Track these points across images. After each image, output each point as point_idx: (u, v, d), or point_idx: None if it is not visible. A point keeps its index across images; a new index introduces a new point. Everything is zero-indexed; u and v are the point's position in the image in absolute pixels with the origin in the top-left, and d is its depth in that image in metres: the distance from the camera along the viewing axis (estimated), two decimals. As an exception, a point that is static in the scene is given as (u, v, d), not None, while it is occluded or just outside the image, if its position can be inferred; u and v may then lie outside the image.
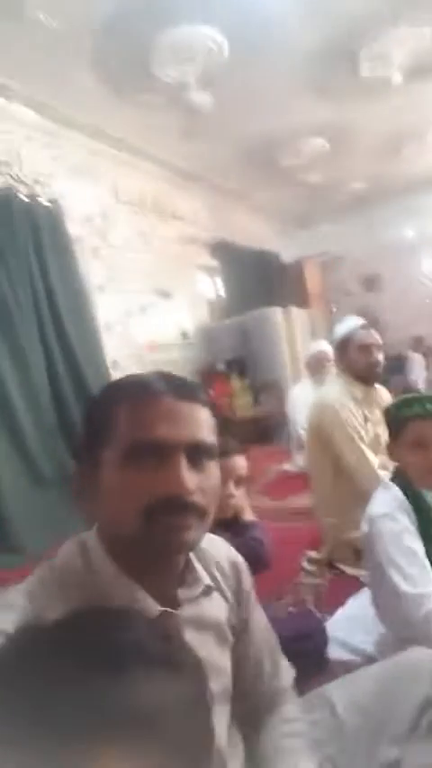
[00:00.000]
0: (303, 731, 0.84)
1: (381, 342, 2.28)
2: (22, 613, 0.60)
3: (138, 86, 3.72)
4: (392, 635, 1.30)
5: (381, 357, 2.25)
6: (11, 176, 3.55)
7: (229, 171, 5.72)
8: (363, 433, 2.17)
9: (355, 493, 2.00)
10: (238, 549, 1.31)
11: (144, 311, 4.77)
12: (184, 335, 5.32)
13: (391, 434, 1.46)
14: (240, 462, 1.45)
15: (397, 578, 1.21)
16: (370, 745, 0.87)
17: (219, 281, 6.22)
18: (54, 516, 2.82)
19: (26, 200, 3.55)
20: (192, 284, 5.68)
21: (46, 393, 3.49)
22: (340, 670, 1.32)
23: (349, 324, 2.34)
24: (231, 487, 1.41)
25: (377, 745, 0.87)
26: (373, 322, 7.73)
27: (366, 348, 2.22)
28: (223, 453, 1.38)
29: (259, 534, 1.45)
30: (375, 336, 2.27)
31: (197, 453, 0.67)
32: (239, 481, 1.44)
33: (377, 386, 2.34)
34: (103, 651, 0.39)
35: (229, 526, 1.43)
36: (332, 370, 2.79)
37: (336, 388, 2.27)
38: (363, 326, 2.30)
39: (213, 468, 0.70)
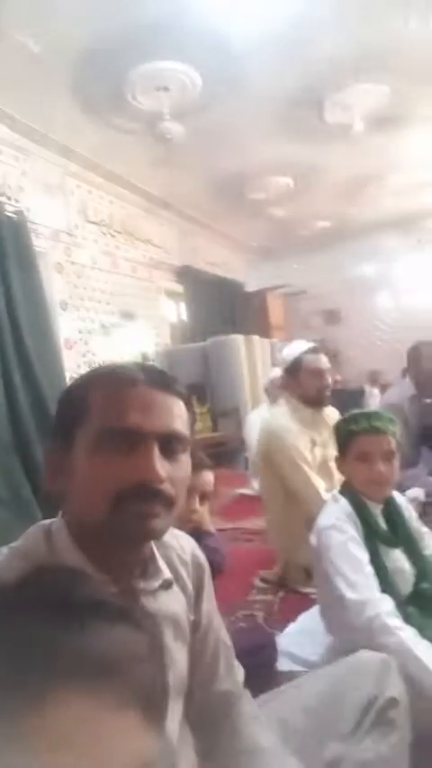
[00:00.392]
0: (269, 728, 0.85)
1: (329, 366, 2.31)
2: None
3: (113, 111, 3.82)
4: (340, 643, 1.33)
5: (330, 381, 2.28)
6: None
7: (198, 200, 5.87)
8: (309, 457, 2.18)
9: (304, 516, 2.03)
10: None
11: (106, 331, 4.77)
12: (145, 358, 5.33)
13: (339, 449, 1.52)
14: (207, 478, 1.45)
15: (342, 585, 1.25)
16: (315, 744, 0.89)
17: (182, 306, 6.30)
18: (6, 537, 2.71)
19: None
20: (155, 307, 5.73)
21: (3, 408, 3.41)
22: (287, 681, 1.33)
23: (298, 347, 2.34)
24: (196, 502, 1.42)
25: (322, 743, 0.88)
26: (332, 355, 7.95)
27: (317, 372, 2.24)
28: (193, 467, 1.41)
29: (214, 543, 1.46)
30: (324, 360, 2.30)
31: (169, 443, 0.68)
32: (204, 496, 1.45)
33: (327, 408, 2.36)
34: (65, 604, 0.40)
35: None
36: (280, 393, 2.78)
37: (282, 413, 2.27)
38: (312, 350, 2.32)
39: (184, 460, 0.71)
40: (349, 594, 1.23)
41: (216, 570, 1.42)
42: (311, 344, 2.37)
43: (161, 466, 0.65)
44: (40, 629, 0.38)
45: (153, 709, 0.41)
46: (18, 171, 3.92)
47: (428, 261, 7.61)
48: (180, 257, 6.21)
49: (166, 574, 0.76)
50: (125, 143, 4.30)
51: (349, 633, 1.23)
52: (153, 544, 0.75)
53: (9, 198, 3.79)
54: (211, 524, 1.56)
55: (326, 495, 1.98)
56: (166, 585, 0.76)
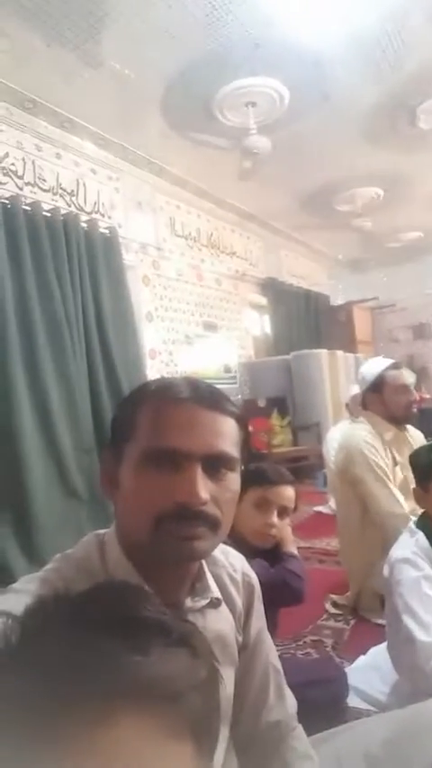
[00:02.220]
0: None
1: (414, 381, 2.23)
2: (33, 597, 0.62)
3: (201, 129, 3.92)
4: (408, 684, 1.24)
5: (416, 396, 2.20)
6: (74, 204, 3.79)
7: (284, 213, 5.86)
8: (391, 475, 2.09)
9: (383, 539, 1.92)
10: (272, 577, 1.28)
11: (190, 342, 4.87)
12: (227, 369, 5.36)
13: (419, 479, 1.42)
14: (286, 493, 1.41)
15: (412, 625, 1.17)
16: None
17: (266, 319, 6.29)
18: (83, 531, 2.85)
19: (85, 226, 3.75)
20: (239, 319, 5.76)
21: (87, 414, 3.58)
22: (355, 719, 1.26)
23: (379, 364, 2.27)
24: (273, 516, 1.38)
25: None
26: (421, 371, 7.58)
27: (403, 388, 2.16)
28: (270, 482, 1.38)
29: (296, 567, 1.40)
30: (409, 376, 2.21)
31: (215, 464, 0.67)
32: (284, 512, 1.41)
33: (409, 428, 2.26)
34: (130, 624, 0.40)
35: (268, 555, 1.39)
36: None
37: (364, 429, 2.18)
38: (394, 366, 2.24)
39: (232, 480, 0.69)
40: (421, 636, 1.15)
41: (295, 598, 1.37)
42: (392, 361, 2.28)
43: (203, 487, 0.64)
44: (104, 647, 0.38)
45: (207, 739, 0.41)
46: (111, 188, 4.14)
47: None
48: (265, 269, 6.22)
49: (215, 592, 0.74)
50: (213, 159, 4.39)
51: (418, 676, 1.14)
52: (203, 561, 0.74)
53: (102, 215, 4.00)
54: (294, 546, 1.51)
55: (411, 516, 1.88)
56: (215, 604, 0.74)
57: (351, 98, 3.73)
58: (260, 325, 6.29)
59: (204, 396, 0.69)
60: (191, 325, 4.94)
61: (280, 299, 6.30)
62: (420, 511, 1.55)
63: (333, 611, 2.07)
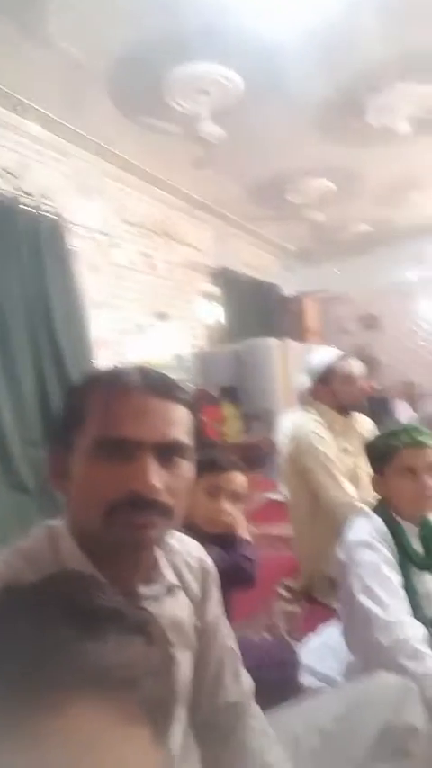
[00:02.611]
0: (278, 745, 0.82)
1: (362, 371, 2.28)
2: None
3: (152, 114, 3.85)
4: (361, 663, 1.28)
5: (364, 386, 2.24)
6: (19, 188, 3.64)
7: (237, 202, 5.86)
8: (339, 464, 2.13)
9: (333, 526, 1.97)
10: (226, 562, 1.30)
11: (141, 331, 4.81)
12: (179, 359, 5.34)
13: (376, 466, 1.46)
14: (237, 479, 1.42)
15: (370, 605, 1.21)
16: (326, 767, 0.85)
17: (218, 308, 6.29)
18: (31, 524, 2.78)
19: (31, 210, 3.61)
20: (191, 309, 5.74)
21: (34, 405, 3.48)
22: (306, 696, 1.29)
23: (328, 355, 2.30)
24: (223, 502, 1.39)
25: (333, 767, 0.84)
26: (370, 361, 7.82)
27: (351, 379, 2.20)
28: (220, 468, 1.39)
29: (249, 552, 1.42)
30: (357, 365, 2.26)
31: (168, 452, 0.67)
32: (235, 497, 1.42)
33: (357, 415, 2.30)
34: (86, 612, 0.40)
35: (221, 541, 1.41)
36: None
37: (313, 420, 2.21)
38: (342, 357, 2.28)
39: (185, 468, 0.69)
40: (378, 613, 1.18)
41: (248, 581, 1.39)
42: (340, 352, 2.33)
43: (156, 476, 0.64)
44: (59, 636, 0.38)
45: (162, 722, 0.42)
46: (57, 172, 4.00)
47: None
48: (217, 259, 6.21)
49: (171, 579, 0.75)
50: (164, 145, 4.32)
51: (373, 652, 1.18)
52: (158, 549, 0.74)
53: (48, 199, 3.87)
54: (247, 531, 1.52)
55: (359, 503, 1.93)
56: (171, 591, 0.75)
57: (304, 91, 3.75)
58: (212, 314, 6.29)
59: (156, 384, 0.69)
60: (142, 315, 4.88)
61: (232, 289, 6.32)
62: (367, 495, 1.62)
63: (286, 594, 2.11)
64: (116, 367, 0.75)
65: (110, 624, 0.41)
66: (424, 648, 1.12)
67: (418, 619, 1.21)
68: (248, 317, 6.53)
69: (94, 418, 0.66)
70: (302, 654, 1.59)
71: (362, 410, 2.31)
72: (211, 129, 3.74)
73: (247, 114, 3.93)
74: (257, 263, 7.29)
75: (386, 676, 0.97)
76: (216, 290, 6.15)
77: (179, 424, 0.69)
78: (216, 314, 6.28)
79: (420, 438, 1.38)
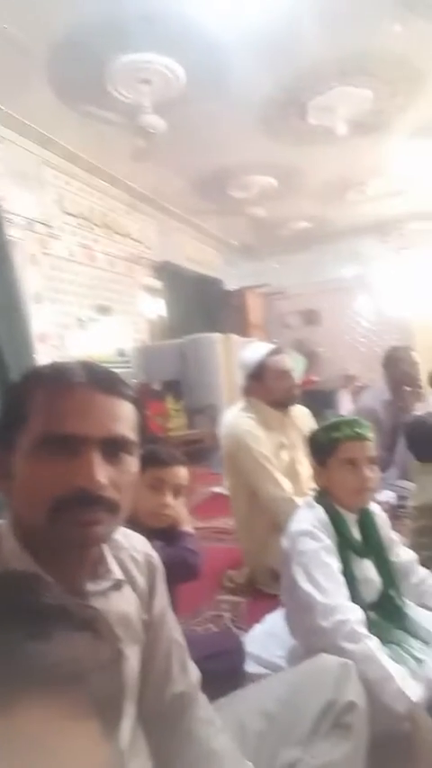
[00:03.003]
0: (224, 731, 0.84)
1: (293, 366, 2.27)
2: None
3: (93, 102, 3.76)
4: (302, 647, 1.33)
5: (296, 380, 2.23)
6: None
7: (179, 196, 5.84)
8: (276, 461, 2.14)
9: (272, 520, 2.01)
10: (170, 556, 1.31)
11: (82, 325, 4.70)
12: (122, 353, 5.28)
13: (318, 458, 1.50)
14: (180, 472, 1.44)
15: (311, 590, 1.25)
16: (272, 748, 0.88)
17: (161, 303, 6.26)
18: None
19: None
20: (134, 303, 5.68)
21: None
22: (251, 683, 1.32)
23: (260, 350, 2.27)
24: (167, 497, 1.40)
25: (279, 748, 0.88)
26: (310, 355, 8.01)
27: (283, 373, 2.19)
28: (162, 462, 1.39)
29: (192, 545, 1.44)
30: (289, 360, 2.25)
31: (113, 448, 0.67)
32: (178, 491, 1.43)
33: (294, 408, 2.30)
34: (31, 611, 0.40)
35: (165, 534, 1.41)
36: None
37: (247, 418, 2.19)
38: (275, 351, 2.25)
39: (130, 464, 0.70)
40: (318, 598, 1.23)
41: (192, 575, 1.41)
42: (273, 346, 2.31)
43: (102, 471, 0.64)
44: (5, 638, 0.38)
45: (111, 717, 0.43)
46: (-6, 159, 3.84)
47: (405, 266, 7.71)
48: (160, 253, 6.16)
49: (117, 574, 0.75)
50: (106, 135, 4.24)
51: (315, 636, 1.23)
52: (103, 545, 0.74)
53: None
54: (189, 524, 1.54)
55: (297, 499, 1.96)
56: (118, 586, 0.75)
57: (247, 87, 3.78)
58: (155, 308, 6.25)
59: (101, 379, 0.69)
60: (83, 308, 4.77)
61: (175, 283, 6.30)
62: (306, 488, 1.67)
63: (230, 585, 2.14)
64: (58, 362, 0.74)
65: (56, 622, 0.42)
66: (361, 630, 1.18)
67: (357, 603, 1.27)
68: (191, 312, 6.53)
69: (37, 415, 0.65)
70: (247, 643, 1.62)
71: (295, 403, 2.30)
72: (153, 121, 3.70)
73: (189, 107, 3.91)
74: (200, 257, 7.30)
75: (327, 658, 1.01)
76: (158, 284, 6.11)
77: (124, 419, 0.69)
78: (158, 308, 6.24)
79: (360, 431, 1.43)
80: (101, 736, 0.39)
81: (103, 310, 5.02)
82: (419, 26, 3.30)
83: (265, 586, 2.06)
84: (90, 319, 4.81)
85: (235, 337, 6.04)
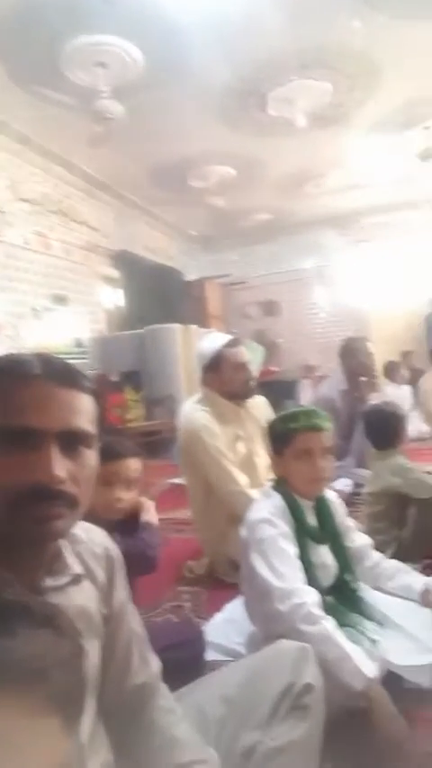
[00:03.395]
0: (185, 719, 0.85)
1: (250, 357, 2.23)
2: None
3: (46, 83, 3.65)
4: (261, 633, 1.35)
5: (253, 372, 2.20)
6: None
7: (138, 184, 5.75)
8: (232, 454, 2.12)
9: (228, 512, 2.02)
10: (128, 548, 1.29)
11: (37, 315, 4.58)
12: (79, 344, 5.18)
13: (275, 447, 1.52)
14: (133, 465, 1.42)
15: (269, 575, 1.27)
16: (233, 733, 0.89)
17: (119, 292, 6.17)
18: None
19: None
20: (91, 293, 5.57)
21: None
22: (212, 671, 1.34)
23: (217, 341, 2.22)
24: (119, 491, 1.38)
25: (239, 732, 0.89)
26: (270, 346, 8.08)
27: (240, 366, 2.16)
28: (116, 456, 1.37)
29: (149, 537, 1.43)
30: (245, 352, 2.21)
31: (71, 441, 0.66)
32: (129, 483, 1.42)
33: (252, 400, 2.28)
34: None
35: (126, 525, 1.40)
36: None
37: (203, 411, 2.15)
38: (232, 343, 2.20)
39: (89, 457, 0.69)
40: (277, 584, 1.25)
41: (149, 567, 1.40)
42: (230, 337, 2.26)
43: (60, 465, 0.63)
44: None
45: (72, 712, 0.43)
46: None
47: (363, 259, 7.88)
48: (118, 242, 6.06)
49: (76, 569, 0.74)
50: (61, 119, 4.12)
51: (273, 622, 1.25)
52: (61, 539, 0.72)
53: None
54: (153, 514, 1.52)
55: (252, 492, 1.96)
56: (77, 580, 0.74)
57: (207, 75, 3.76)
58: (112, 298, 6.16)
59: (58, 371, 0.67)
60: (38, 298, 4.65)
61: (133, 273, 6.22)
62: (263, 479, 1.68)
63: (190, 576, 2.15)
64: (13, 354, 0.72)
65: (19, 620, 0.41)
66: (318, 612, 1.21)
67: (314, 587, 1.30)
68: (149, 302, 6.47)
69: None
70: (208, 632, 1.63)
71: (252, 396, 2.25)
72: (110, 106, 3.62)
73: (148, 93, 3.86)
74: (158, 246, 7.24)
75: (285, 643, 1.03)
76: (116, 274, 6.02)
77: (83, 412, 0.68)
78: (116, 298, 6.16)
79: (317, 421, 1.44)
80: (60, 733, 0.39)
81: (59, 300, 4.91)
82: (378, 22, 3.36)
83: (224, 576, 2.07)
84: (45, 309, 4.70)
85: (194, 328, 6.02)
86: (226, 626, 1.65)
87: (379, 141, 5.22)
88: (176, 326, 5.68)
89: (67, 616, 0.47)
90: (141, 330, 5.63)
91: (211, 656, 1.52)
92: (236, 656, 1.48)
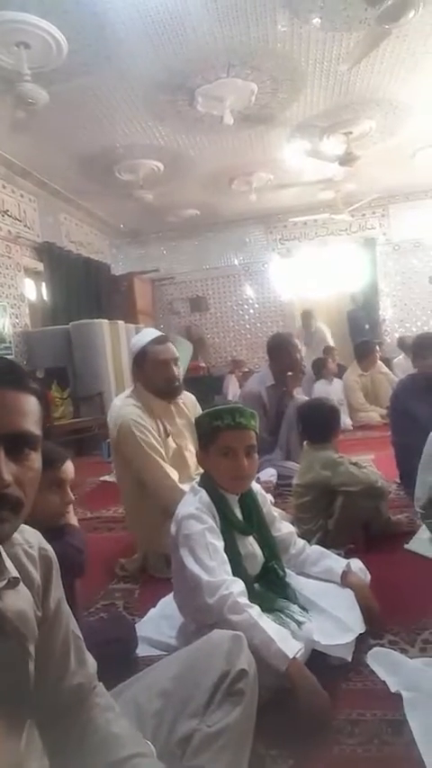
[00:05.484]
0: (123, 716, 0.85)
1: (176, 355, 2.21)
2: None
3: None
4: (192, 624, 1.39)
5: (176, 371, 2.19)
6: None
7: (63, 173, 5.57)
8: (161, 448, 2.13)
9: (160, 507, 2.03)
10: (56, 553, 1.27)
11: None
12: (1, 339, 4.96)
13: (201, 443, 1.54)
14: (69, 469, 1.41)
15: (198, 570, 1.31)
16: (170, 724, 0.91)
17: (43, 286, 5.95)
18: None
19: None
20: (13, 285, 5.33)
21: None
22: (146, 667, 1.35)
23: (145, 337, 2.22)
24: (68, 495, 1.38)
25: (176, 723, 0.91)
26: (198, 341, 8.13)
27: (163, 363, 2.15)
28: (58, 461, 1.34)
29: (77, 541, 1.41)
30: (171, 350, 2.20)
31: (18, 444, 0.65)
32: (65, 487, 1.40)
33: (182, 396, 2.29)
34: None
35: (48, 529, 1.37)
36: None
37: (133, 406, 2.14)
38: (158, 340, 2.20)
39: (34, 460, 0.68)
40: (205, 578, 1.29)
41: (79, 571, 1.38)
42: (159, 333, 2.26)
43: (6, 469, 0.62)
44: None
45: (16, 715, 0.42)
46: None
47: (288, 257, 8.11)
48: (41, 233, 5.85)
49: (12, 572, 0.72)
50: (-20, 101, 3.90)
51: (202, 613, 1.29)
52: None
53: None
54: (74, 517, 1.51)
55: (182, 486, 1.98)
56: (13, 584, 0.72)
57: (135, 66, 3.71)
58: (36, 292, 5.93)
59: (3, 372, 0.66)
60: None
61: (58, 266, 6.03)
62: (194, 474, 1.69)
63: (122, 573, 2.14)
64: None
65: None
66: (243, 601, 1.26)
67: (242, 577, 1.35)
68: (76, 296, 6.31)
69: None
70: (141, 627, 1.64)
71: (176, 395, 2.25)
72: (33, 90, 3.48)
73: (74, 80, 3.75)
74: (86, 239, 7.06)
75: (219, 633, 1.06)
76: (40, 266, 5.80)
77: (28, 414, 0.67)
78: (40, 292, 5.94)
79: (241, 420, 1.46)
80: (6, 736, 0.39)
81: (-21, 292, 4.66)
82: (303, 28, 3.47)
83: (157, 572, 2.07)
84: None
85: (122, 324, 5.94)
86: (159, 620, 1.67)
87: (303, 144, 5.39)
88: (104, 322, 5.58)
89: (11, 620, 0.47)
90: (67, 325, 5.47)
91: (144, 650, 1.53)
92: (169, 649, 1.50)
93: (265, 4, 3.20)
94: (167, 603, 1.73)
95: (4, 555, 0.72)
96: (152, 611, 1.76)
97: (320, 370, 5.44)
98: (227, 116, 4.24)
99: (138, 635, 1.58)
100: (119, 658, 1.40)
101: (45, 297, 5.97)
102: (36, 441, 0.68)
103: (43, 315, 5.91)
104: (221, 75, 3.96)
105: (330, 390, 5.17)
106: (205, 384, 6.69)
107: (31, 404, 0.68)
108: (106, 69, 3.70)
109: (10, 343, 5.07)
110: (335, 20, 3.42)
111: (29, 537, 0.82)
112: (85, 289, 6.56)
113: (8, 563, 0.72)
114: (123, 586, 2.05)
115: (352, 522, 2.10)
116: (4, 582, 0.70)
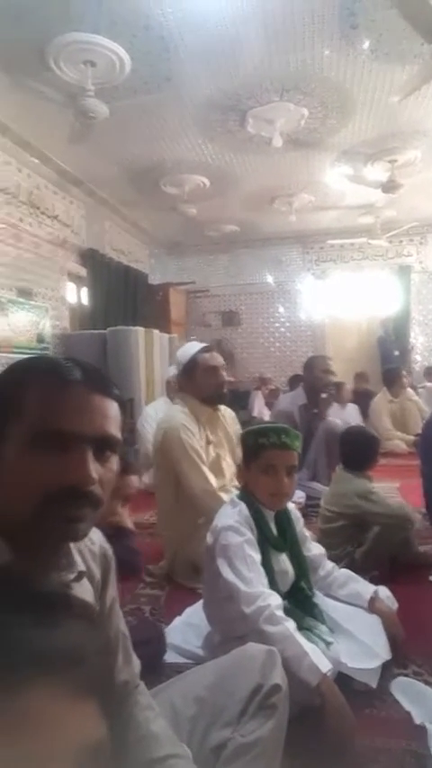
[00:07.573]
0: (162, 716, 0.89)
1: (224, 363, 2.35)
2: None
3: (32, 74, 3.60)
4: (219, 634, 1.42)
5: (226, 378, 2.32)
6: None
7: (111, 183, 5.73)
8: (204, 455, 2.20)
9: (196, 512, 2.08)
10: (115, 554, 1.33)
11: (2, 307, 4.48)
12: (41, 339, 5.10)
13: (244, 458, 1.59)
14: (133, 482, 1.45)
15: (235, 580, 1.35)
16: (204, 731, 0.95)
17: (83, 290, 6.10)
18: None
19: None
20: (57, 288, 5.49)
21: None
22: (173, 673, 1.38)
23: (192, 348, 2.36)
24: (118, 506, 1.42)
25: (210, 730, 0.94)
26: (228, 356, 8.12)
27: (213, 369, 2.26)
28: (125, 469, 1.39)
29: (134, 544, 1.46)
30: (219, 358, 2.33)
31: (103, 446, 0.69)
32: (127, 499, 1.45)
33: (221, 407, 2.39)
34: (34, 601, 0.42)
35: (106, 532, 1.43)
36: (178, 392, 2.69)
37: (181, 412, 2.25)
38: (206, 349, 2.33)
39: (114, 462, 0.73)
40: (243, 588, 1.33)
41: (135, 570, 1.43)
42: (205, 344, 2.39)
43: (93, 467, 0.66)
44: (12, 624, 0.40)
45: (105, 696, 0.45)
46: None
47: (323, 279, 8.13)
48: (87, 239, 6.01)
49: (80, 566, 0.77)
50: (43, 111, 4.07)
51: (235, 622, 1.33)
52: None
53: None
54: (130, 521, 1.56)
55: (222, 494, 2.04)
56: (79, 577, 0.76)
57: (192, 87, 3.82)
58: (77, 296, 6.09)
59: (95, 379, 0.71)
60: (3, 289, 4.54)
61: (100, 272, 6.17)
62: (229, 483, 1.73)
63: (149, 579, 2.18)
64: (50, 357, 0.75)
65: (61, 611, 0.44)
66: (280, 614, 1.29)
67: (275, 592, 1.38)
68: (114, 302, 6.44)
69: (31, 411, 0.66)
70: (168, 634, 1.68)
71: (224, 401, 2.38)
72: (95, 105, 3.61)
73: (133, 97, 3.89)
74: (127, 248, 7.21)
75: (254, 646, 1.09)
76: (83, 271, 5.96)
77: (113, 419, 0.71)
78: (81, 296, 6.09)
79: (286, 440, 1.52)
80: (98, 715, 0.42)
81: (25, 293, 4.81)
82: (357, 58, 3.54)
83: (184, 580, 2.12)
84: (9, 302, 4.60)
85: (157, 332, 6.04)
86: (185, 629, 1.70)
87: (346, 169, 5.45)
88: (140, 329, 5.66)
89: (95, 609, 0.51)
90: (104, 330, 5.58)
91: (171, 657, 1.57)
92: (195, 658, 1.54)
93: (322, 32, 3.28)
94: (193, 612, 1.77)
95: (73, 549, 0.78)
96: (178, 619, 1.79)
97: (336, 393, 5.45)
98: (276, 138, 4.33)
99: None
100: (148, 661, 1.44)
101: (84, 301, 6.11)
102: (118, 444, 0.72)
103: (81, 318, 6.05)
104: (274, 99, 4.05)
105: (345, 415, 5.16)
106: (231, 398, 6.69)
107: (115, 409, 0.72)
108: (165, 88, 3.83)
109: (48, 343, 5.21)
110: (390, 52, 3.48)
111: (92, 535, 0.86)
112: (123, 296, 6.69)
113: (77, 557, 0.77)
114: (150, 592, 2.09)
115: (382, 552, 2.11)
116: (74, 575, 0.75)
